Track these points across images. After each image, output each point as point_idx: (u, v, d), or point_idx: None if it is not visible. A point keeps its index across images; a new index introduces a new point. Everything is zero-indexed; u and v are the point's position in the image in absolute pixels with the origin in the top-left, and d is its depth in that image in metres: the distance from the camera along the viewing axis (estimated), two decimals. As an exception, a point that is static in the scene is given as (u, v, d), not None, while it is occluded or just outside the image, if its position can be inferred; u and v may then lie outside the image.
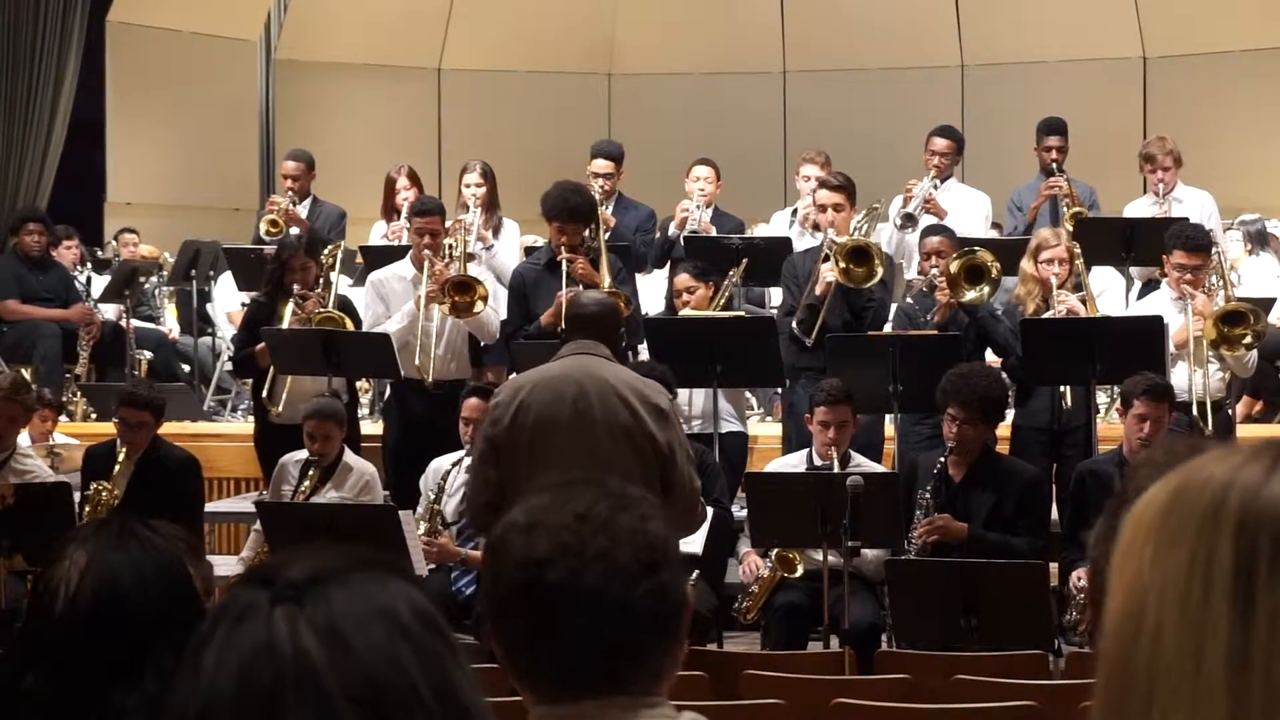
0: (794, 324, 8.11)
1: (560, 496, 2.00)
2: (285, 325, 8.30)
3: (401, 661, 1.30)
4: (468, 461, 6.53)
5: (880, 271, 8.13)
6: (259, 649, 1.29)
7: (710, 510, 6.72)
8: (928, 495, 6.85)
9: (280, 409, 8.26)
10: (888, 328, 8.71)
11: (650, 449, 5.15)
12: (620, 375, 5.33)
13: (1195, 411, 7.68)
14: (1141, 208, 9.69)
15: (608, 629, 1.94)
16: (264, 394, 8.37)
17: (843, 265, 8.01)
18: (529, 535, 1.96)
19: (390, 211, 10.08)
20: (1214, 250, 8.16)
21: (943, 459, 6.91)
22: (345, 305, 8.64)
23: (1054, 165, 9.77)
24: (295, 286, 8.34)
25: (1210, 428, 7.65)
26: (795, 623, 7.01)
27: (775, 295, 9.57)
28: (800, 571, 7.06)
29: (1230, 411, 8.29)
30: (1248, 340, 7.66)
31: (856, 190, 8.48)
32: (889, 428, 8.35)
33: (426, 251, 8.33)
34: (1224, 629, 1.16)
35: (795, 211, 10.04)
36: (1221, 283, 8.17)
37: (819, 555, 6.68)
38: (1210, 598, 1.17)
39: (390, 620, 1.32)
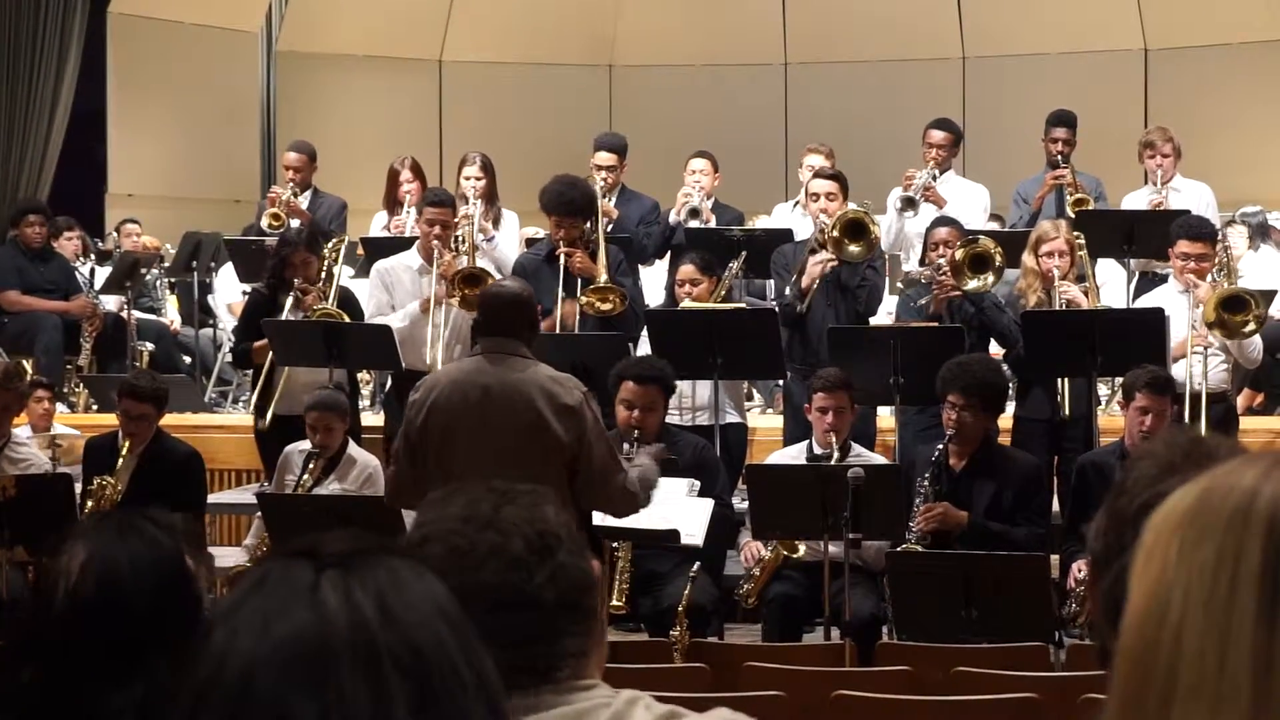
0: (788, 290, 8.12)
1: (444, 504, 2.02)
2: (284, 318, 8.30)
3: (445, 642, 1.29)
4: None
5: (878, 240, 8.15)
6: (309, 611, 1.26)
7: (711, 503, 6.75)
8: (926, 482, 6.85)
9: (266, 422, 8.26)
10: (889, 318, 8.72)
11: (556, 448, 5.29)
12: (530, 375, 5.42)
13: (1189, 404, 7.65)
14: (1139, 198, 9.73)
15: (516, 622, 1.94)
16: (254, 403, 8.39)
17: (837, 236, 8.01)
18: (422, 548, 1.97)
19: (393, 203, 10.08)
20: (1218, 245, 8.16)
21: (940, 447, 6.91)
22: (347, 298, 8.63)
23: (1059, 157, 9.80)
24: (296, 281, 8.34)
25: (1211, 420, 7.64)
26: (790, 614, 7.02)
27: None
28: (802, 550, 7.06)
29: (1233, 403, 8.29)
30: (1249, 327, 7.64)
31: (849, 185, 8.51)
32: (882, 420, 8.36)
33: (435, 243, 8.35)
34: (1249, 628, 1.16)
35: (798, 204, 10.05)
36: (1225, 275, 8.17)
37: (820, 545, 6.68)
38: (1236, 596, 1.16)
39: (431, 602, 1.31)
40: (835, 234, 8.03)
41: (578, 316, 8.33)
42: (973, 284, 7.95)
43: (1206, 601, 1.17)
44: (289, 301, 8.32)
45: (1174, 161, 9.65)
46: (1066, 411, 7.86)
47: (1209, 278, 7.90)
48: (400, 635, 1.26)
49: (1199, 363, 7.80)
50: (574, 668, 2.00)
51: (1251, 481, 1.21)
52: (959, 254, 7.97)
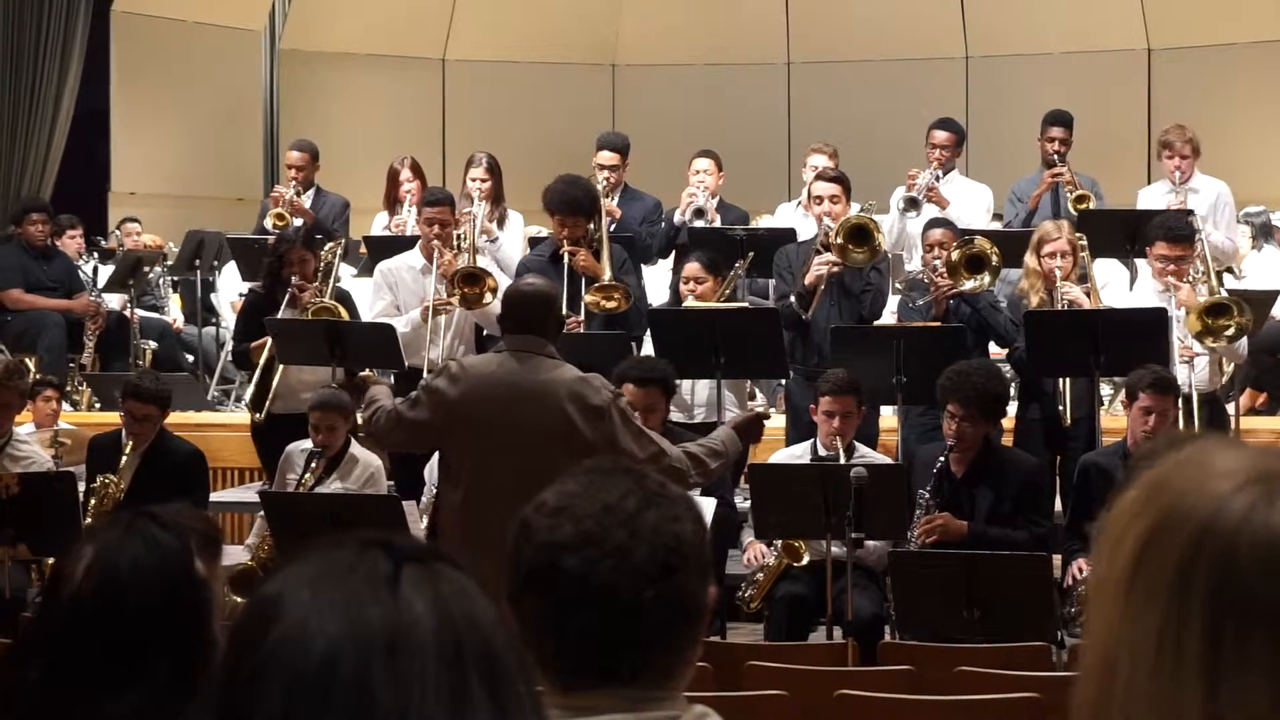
0: (792, 298, 8.12)
1: (594, 484, 1.98)
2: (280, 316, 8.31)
3: (511, 654, 1.30)
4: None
5: (882, 246, 8.15)
6: (393, 601, 1.26)
7: (714, 502, 6.74)
8: (927, 494, 6.84)
9: (262, 416, 8.27)
10: (892, 318, 8.72)
11: (585, 449, 5.22)
12: (558, 376, 5.38)
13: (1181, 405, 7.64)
14: (1157, 196, 9.66)
15: (612, 624, 1.92)
16: (250, 395, 8.40)
17: (840, 242, 8.01)
18: (555, 519, 1.95)
19: (393, 202, 10.08)
20: (1197, 239, 8.12)
21: (943, 458, 6.89)
22: (343, 298, 8.62)
23: (1055, 157, 9.78)
24: (293, 279, 8.34)
25: (1199, 420, 7.63)
26: (797, 614, 7.01)
27: (779, 287, 9.58)
28: (806, 560, 7.06)
29: (1221, 401, 8.26)
30: (1230, 332, 7.62)
31: (852, 186, 8.51)
32: (884, 420, 8.36)
33: (435, 242, 8.36)
34: (1197, 705, 1.14)
35: (800, 204, 10.04)
36: (1205, 272, 8.14)
37: (823, 544, 6.68)
38: (1182, 671, 1.15)
39: (494, 615, 1.32)
40: (839, 241, 8.02)
41: (583, 315, 8.33)
42: (969, 284, 7.96)
43: (1153, 671, 1.16)
44: (285, 299, 8.32)
45: (1192, 162, 9.56)
46: (1069, 417, 7.85)
47: (1188, 277, 7.87)
48: (481, 639, 1.27)
49: (1184, 368, 7.77)
50: (655, 680, 1.97)
51: (1204, 515, 1.17)
52: (955, 254, 7.98)
